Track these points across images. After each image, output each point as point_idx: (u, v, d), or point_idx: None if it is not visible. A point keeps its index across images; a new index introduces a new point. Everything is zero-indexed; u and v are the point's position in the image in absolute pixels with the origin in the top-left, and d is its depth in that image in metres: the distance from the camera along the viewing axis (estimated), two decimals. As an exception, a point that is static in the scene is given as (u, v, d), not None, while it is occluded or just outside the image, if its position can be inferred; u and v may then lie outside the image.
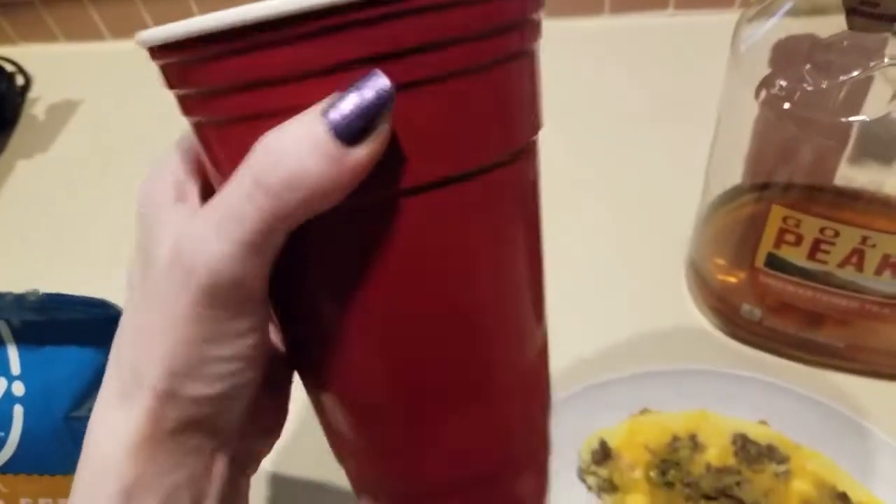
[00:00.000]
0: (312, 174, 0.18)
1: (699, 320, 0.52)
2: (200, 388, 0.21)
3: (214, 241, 0.19)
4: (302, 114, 0.18)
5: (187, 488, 0.22)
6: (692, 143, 0.49)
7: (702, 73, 0.53)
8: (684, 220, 0.54)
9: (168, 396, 0.21)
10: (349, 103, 0.18)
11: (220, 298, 0.20)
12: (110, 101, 0.79)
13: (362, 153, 0.18)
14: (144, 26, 0.80)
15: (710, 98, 0.47)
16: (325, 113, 0.18)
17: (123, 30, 0.83)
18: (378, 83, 0.18)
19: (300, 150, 0.18)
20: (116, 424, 0.21)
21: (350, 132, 0.18)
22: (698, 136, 0.48)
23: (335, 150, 0.18)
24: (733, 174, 0.47)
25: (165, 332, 0.20)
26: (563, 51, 0.72)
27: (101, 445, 0.21)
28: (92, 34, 0.84)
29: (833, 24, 0.36)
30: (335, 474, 0.30)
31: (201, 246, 0.19)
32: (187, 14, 0.78)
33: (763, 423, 0.45)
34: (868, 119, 0.35)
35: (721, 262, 0.50)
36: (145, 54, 0.22)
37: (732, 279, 0.49)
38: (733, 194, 0.49)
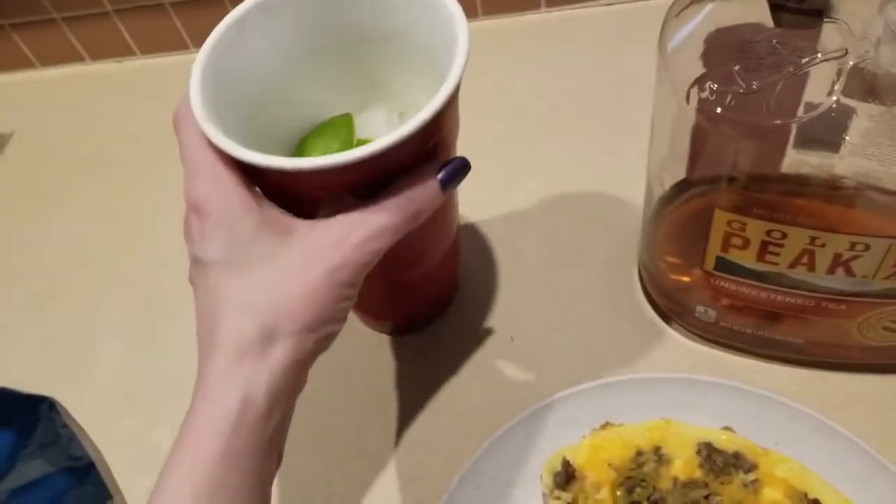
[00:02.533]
0: (430, 208, 0.34)
1: (656, 323, 0.50)
2: (329, 329, 0.32)
3: (366, 244, 0.32)
4: (428, 179, 0.34)
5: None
6: (640, 137, 0.47)
7: (642, 64, 0.51)
8: (634, 219, 0.52)
9: (308, 333, 0.31)
10: (448, 172, 0.35)
11: (356, 282, 0.32)
12: (42, 132, 0.76)
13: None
14: (75, 53, 0.77)
15: (651, 89, 0.45)
16: (439, 178, 0.34)
17: (53, 57, 0.79)
18: (462, 162, 0.36)
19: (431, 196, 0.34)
20: (255, 369, 0.30)
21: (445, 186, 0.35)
22: (645, 128, 0.46)
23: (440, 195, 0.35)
24: (676, 171, 0.45)
25: (306, 297, 0.31)
26: (501, 48, 0.70)
27: (244, 388, 0.30)
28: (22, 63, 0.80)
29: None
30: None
31: (356, 247, 0.31)
32: (119, 40, 0.75)
33: (728, 429, 0.44)
34: (805, 118, 0.33)
35: (672, 260, 0.48)
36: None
37: (685, 278, 0.47)
38: (679, 190, 0.46)
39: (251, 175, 0.34)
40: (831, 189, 0.38)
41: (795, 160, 0.40)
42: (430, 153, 0.35)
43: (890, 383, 0.45)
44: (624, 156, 0.55)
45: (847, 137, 0.35)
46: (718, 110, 0.35)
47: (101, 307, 0.60)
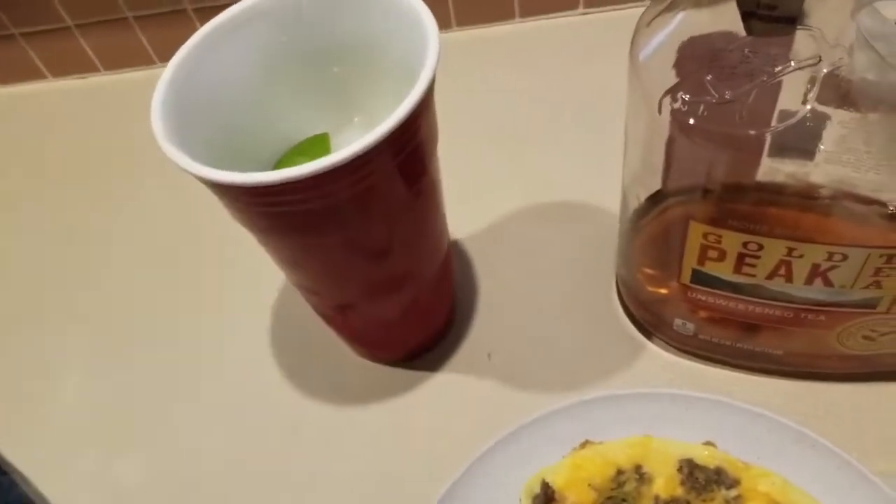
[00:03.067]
0: None
1: (635, 336, 0.50)
2: None
3: None
4: None
5: None
6: (617, 147, 0.47)
7: (618, 73, 0.50)
8: (612, 231, 0.51)
9: None
10: None
11: None
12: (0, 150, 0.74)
13: None
14: (36, 70, 0.75)
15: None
16: None
17: (12, 75, 0.77)
18: None
19: None
20: None
21: None
22: (622, 138, 0.45)
23: None
24: (651, 182, 0.45)
25: None
26: (476, 59, 0.69)
27: None
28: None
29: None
30: None
31: None
32: (81, 55, 0.73)
33: (709, 443, 0.43)
34: (780, 127, 0.33)
35: (649, 272, 0.47)
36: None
37: (662, 290, 0.46)
38: (654, 202, 0.46)
39: (227, 197, 0.33)
40: (807, 198, 0.37)
41: (770, 168, 0.39)
42: (407, 163, 0.35)
43: (870, 392, 0.45)
44: (602, 166, 0.54)
45: (822, 146, 0.35)
46: (691, 121, 0.34)
47: (58, 336, 0.58)
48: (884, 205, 0.35)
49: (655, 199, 0.45)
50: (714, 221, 0.37)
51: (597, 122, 0.61)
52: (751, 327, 0.43)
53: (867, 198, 0.35)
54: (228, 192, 0.34)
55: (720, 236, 0.37)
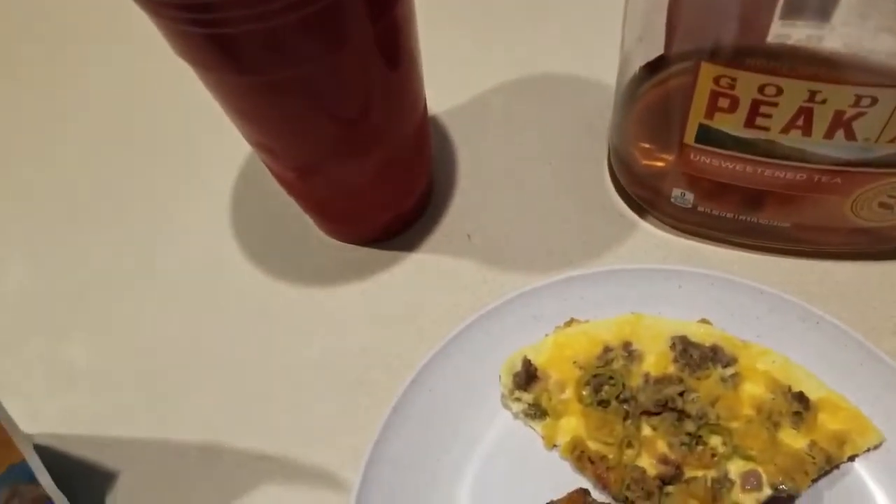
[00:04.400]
0: None
1: (626, 214, 0.46)
2: None
3: None
4: None
5: None
6: (611, 15, 0.42)
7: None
8: (603, 107, 0.47)
9: None
10: None
11: None
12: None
13: None
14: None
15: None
16: None
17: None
18: None
19: None
20: None
21: None
22: (616, 7, 0.41)
23: None
24: (652, 48, 0.40)
25: None
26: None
27: None
28: None
29: None
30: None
31: None
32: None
33: (704, 321, 0.40)
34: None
35: (646, 145, 0.43)
36: None
37: (660, 164, 0.42)
38: (654, 68, 0.41)
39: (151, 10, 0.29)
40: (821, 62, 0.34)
41: (781, 35, 0.35)
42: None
43: (876, 271, 0.42)
44: (594, 38, 0.49)
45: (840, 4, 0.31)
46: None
47: (5, 218, 0.53)
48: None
49: (656, 65, 0.41)
50: (729, 62, 0.33)
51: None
52: (755, 198, 0.40)
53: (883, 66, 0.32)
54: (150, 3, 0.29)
55: (734, 79, 0.33)
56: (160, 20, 0.30)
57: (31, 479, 0.34)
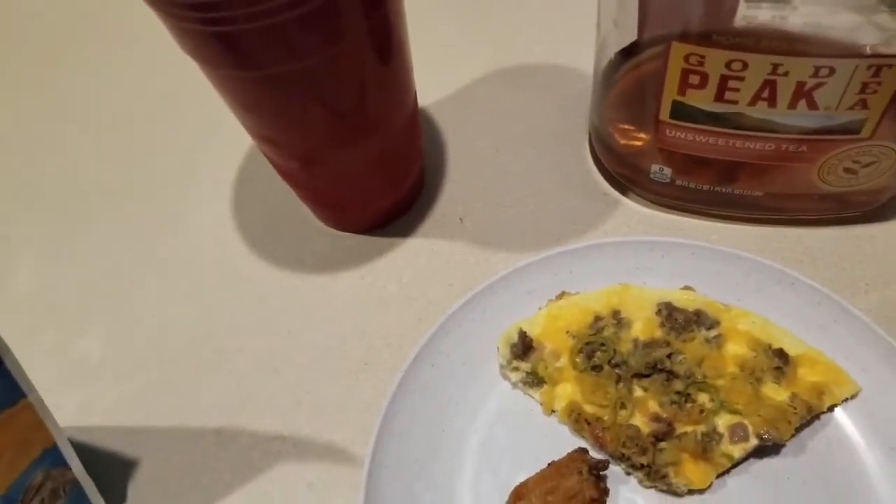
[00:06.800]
0: None
1: (609, 193, 0.48)
2: None
3: None
4: None
5: None
6: (587, 4, 0.44)
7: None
8: (583, 90, 0.49)
9: None
10: None
11: None
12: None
13: None
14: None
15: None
16: None
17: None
18: None
19: None
20: None
21: None
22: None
23: None
24: (626, 34, 0.43)
25: None
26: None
27: None
28: None
29: None
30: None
31: None
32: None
33: (688, 288, 0.42)
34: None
35: (624, 126, 0.46)
36: None
37: (638, 142, 0.45)
38: (629, 53, 0.44)
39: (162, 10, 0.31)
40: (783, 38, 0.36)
41: (747, 16, 0.37)
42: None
43: (845, 235, 0.44)
44: (573, 26, 0.52)
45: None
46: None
47: (14, 217, 0.55)
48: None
49: (631, 50, 0.43)
50: (698, 41, 0.35)
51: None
52: (729, 169, 0.42)
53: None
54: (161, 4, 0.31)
55: (703, 57, 0.35)
56: (169, 20, 0.32)
57: (63, 463, 0.36)
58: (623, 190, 0.48)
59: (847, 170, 0.39)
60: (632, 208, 0.47)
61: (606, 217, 0.47)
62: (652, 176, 0.44)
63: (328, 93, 0.37)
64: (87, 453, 0.42)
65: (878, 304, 0.41)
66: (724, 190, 0.43)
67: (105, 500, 0.40)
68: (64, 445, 0.35)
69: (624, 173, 0.47)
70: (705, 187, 0.43)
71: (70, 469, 0.36)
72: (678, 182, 0.44)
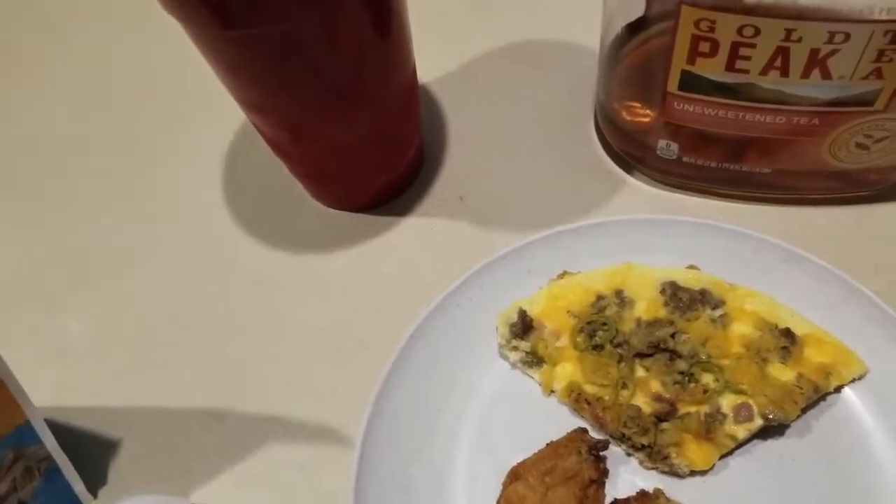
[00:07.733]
0: None
1: (614, 172, 0.47)
2: None
3: None
4: None
5: None
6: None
7: None
8: (589, 67, 0.48)
9: None
10: None
11: None
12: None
13: None
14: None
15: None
16: None
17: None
18: None
19: None
20: None
21: None
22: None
23: None
24: (634, 5, 0.41)
25: None
26: None
27: None
28: None
29: None
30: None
31: None
32: None
33: (693, 267, 0.41)
34: None
35: (631, 103, 0.45)
36: None
37: (645, 119, 0.44)
38: (636, 27, 0.43)
39: None
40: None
41: None
42: None
43: (853, 214, 0.43)
44: (577, 2, 0.50)
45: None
46: None
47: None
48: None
49: (638, 24, 0.42)
50: (708, 4, 0.34)
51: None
52: (737, 145, 0.41)
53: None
54: None
55: (714, 22, 0.34)
56: None
57: (36, 441, 0.35)
58: (628, 168, 0.47)
59: (859, 145, 0.38)
60: (636, 187, 0.46)
61: (611, 196, 0.46)
62: (659, 152, 0.43)
63: (316, 58, 0.36)
64: (67, 434, 0.41)
65: (887, 285, 0.39)
66: (731, 167, 0.42)
67: (85, 482, 0.38)
68: (37, 422, 0.34)
69: (630, 151, 0.46)
70: (713, 164, 0.42)
71: (44, 446, 0.34)
72: (685, 159, 0.43)
